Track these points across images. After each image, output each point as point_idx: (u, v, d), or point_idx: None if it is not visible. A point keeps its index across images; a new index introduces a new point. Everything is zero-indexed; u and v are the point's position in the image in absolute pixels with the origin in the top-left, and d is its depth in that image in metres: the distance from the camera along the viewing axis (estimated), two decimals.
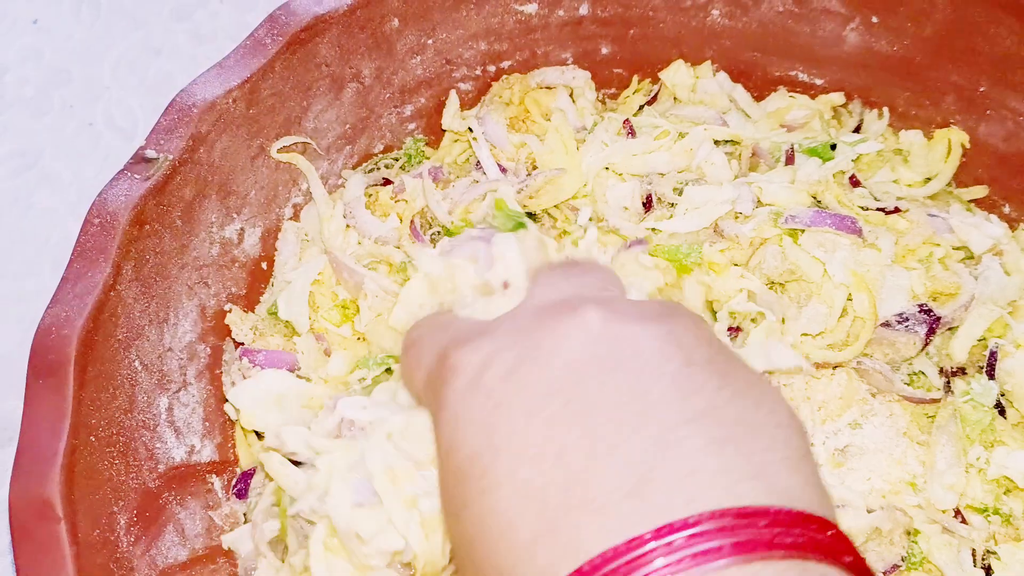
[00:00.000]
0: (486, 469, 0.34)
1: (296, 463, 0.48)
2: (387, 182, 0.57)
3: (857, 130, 0.55)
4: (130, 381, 0.46)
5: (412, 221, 0.53)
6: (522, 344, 0.37)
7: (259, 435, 0.51)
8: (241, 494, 0.49)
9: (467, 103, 0.59)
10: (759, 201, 0.51)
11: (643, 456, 0.31)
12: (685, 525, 0.30)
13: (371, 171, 0.57)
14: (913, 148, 0.55)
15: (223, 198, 0.51)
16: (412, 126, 0.59)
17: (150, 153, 0.48)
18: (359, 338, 0.51)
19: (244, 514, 0.49)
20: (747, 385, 0.35)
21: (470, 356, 0.37)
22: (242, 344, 0.51)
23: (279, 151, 0.53)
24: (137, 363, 0.46)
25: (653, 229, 0.51)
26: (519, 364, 0.36)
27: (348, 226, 0.54)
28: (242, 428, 0.51)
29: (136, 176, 0.47)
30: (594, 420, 0.33)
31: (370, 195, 0.55)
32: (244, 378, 0.49)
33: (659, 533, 0.29)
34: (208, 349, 0.51)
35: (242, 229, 0.53)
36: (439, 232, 0.53)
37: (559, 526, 0.31)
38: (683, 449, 0.32)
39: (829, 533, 0.31)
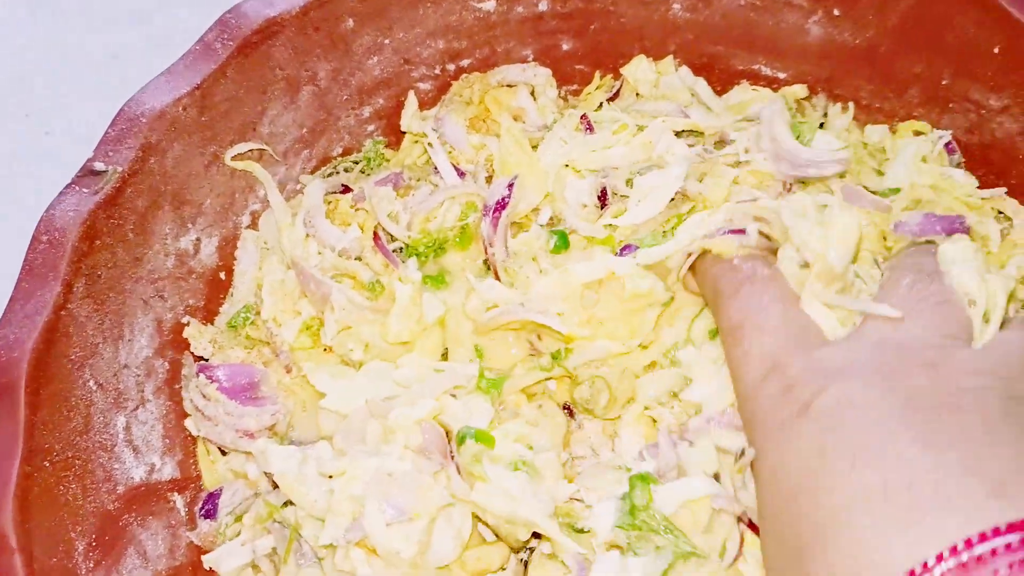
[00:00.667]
0: (818, 474, 0.35)
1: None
2: (347, 189, 0.55)
3: (822, 126, 0.55)
4: (85, 402, 0.45)
5: (376, 235, 0.51)
6: (859, 374, 0.38)
7: (222, 451, 0.50)
8: (210, 514, 0.48)
9: (427, 103, 0.58)
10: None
11: (992, 466, 0.32)
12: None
13: (330, 175, 0.56)
14: (884, 143, 0.54)
15: (177, 208, 0.50)
16: (371, 128, 0.58)
17: (99, 166, 0.47)
18: (325, 350, 0.50)
19: (217, 532, 0.48)
20: None
21: (823, 398, 0.37)
22: (201, 359, 0.50)
23: (234, 158, 0.52)
24: (92, 383, 0.45)
25: (610, 226, 0.50)
26: (853, 394, 0.37)
27: (308, 235, 0.52)
28: (204, 445, 0.50)
29: (84, 190, 0.46)
30: (935, 433, 0.34)
31: (329, 203, 0.53)
32: (204, 397, 0.48)
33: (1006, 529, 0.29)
34: (166, 364, 0.50)
35: (198, 239, 0.52)
36: (403, 247, 0.52)
37: (906, 521, 0.32)
38: None
39: None
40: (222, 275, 0.53)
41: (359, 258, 0.51)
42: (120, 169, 0.47)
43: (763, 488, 0.39)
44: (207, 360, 0.50)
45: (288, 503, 0.46)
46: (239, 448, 0.49)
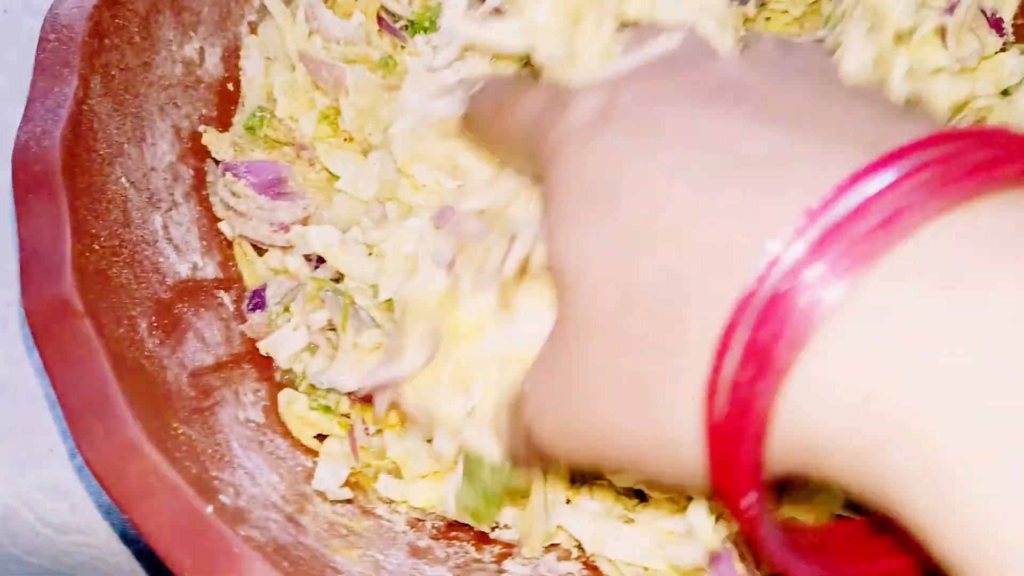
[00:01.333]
0: (633, 175, 0.29)
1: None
2: None
3: None
4: (120, 197, 0.44)
5: (379, 16, 0.51)
6: (646, 81, 0.32)
7: (258, 251, 0.50)
8: (259, 306, 0.48)
9: None
10: None
11: (822, 127, 0.27)
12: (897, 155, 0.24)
13: None
14: None
15: (177, 14, 0.49)
16: None
17: None
18: (346, 139, 0.50)
19: (269, 322, 0.47)
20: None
21: (590, 96, 0.32)
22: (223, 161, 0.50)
23: None
24: (124, 180, 0.45)
25: None
26: (648, 93, 0.31)
27: (311, 32, 0.52)
28: (240, 247, 0.50)
29: None
30: (777, 111, 0.28)
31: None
32: (234, 195, 0.48)
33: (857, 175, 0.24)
34: (190, 171, 0.49)
35: (201, 48, 0.51)
36: (408, 24, 0.52)
37: (771, 188, 0.26)
38: (863, 119, 0.27)
39: None
40: (230, 86, 0.52)
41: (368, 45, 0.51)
42: None
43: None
44: None
45: (338, 278, 0.46)
46: (275, 243, 0.49)
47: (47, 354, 0.37)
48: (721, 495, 0.26)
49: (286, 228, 0.48)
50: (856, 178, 0.24)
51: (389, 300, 0.43)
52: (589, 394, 0.29)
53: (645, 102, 0.31)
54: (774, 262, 0.24)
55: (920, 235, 0.23)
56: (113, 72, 0.45)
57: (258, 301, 0.48)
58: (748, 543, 0.33)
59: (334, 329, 0.45)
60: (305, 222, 0.49)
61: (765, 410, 0.24)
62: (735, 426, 0.24)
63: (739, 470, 0.25)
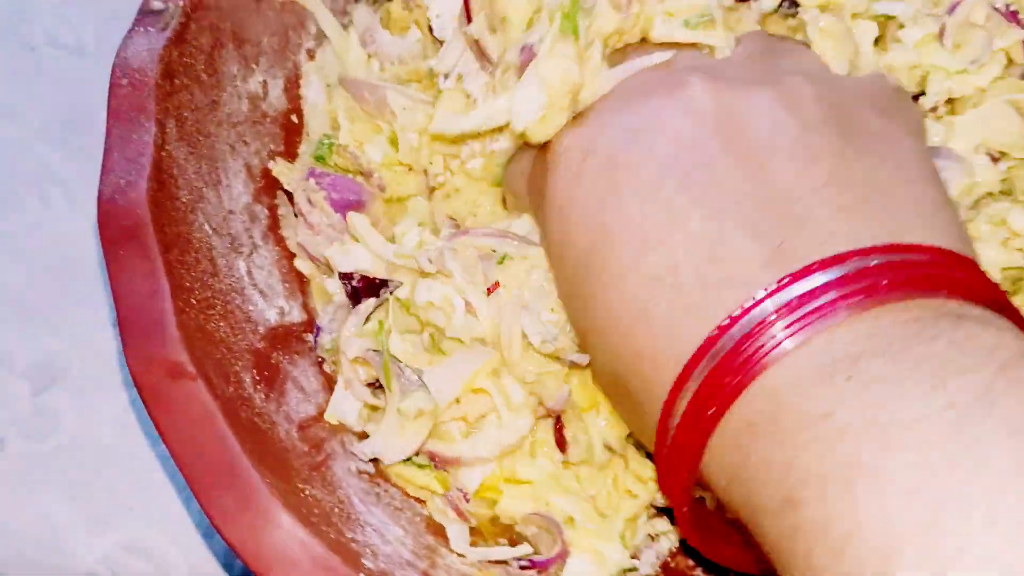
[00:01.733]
0: (606, 261, 0.34)
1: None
2: None
3: None
4: (206, 245, 0.42)
5: (431, 28, 0.49)
6: (621, 126, 0.35)
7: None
8: (318, 334, 0.46)
9: None
10: None
11: (773, 229, 0.31)
12: (797, 276, 0.29)
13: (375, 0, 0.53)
14: None
15: (239, 47, 0.47)
16: None
17: (157, 4, 0.44)
18: (409, 168, 0.48)
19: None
20: (870, 140, 0.34)
21: (569, 143, 0.36)
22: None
23: None
24: (207, 226, 0.43)
25: None
26: (621, 148, 0.34)
27: (369, 56, 0.50)
28: (314, 280, 0.48)
29: (151, 28, 0.43)
30: (715, 200, 0.32)
31: (382, 17, 0.51)
32: (309, 202, 0.45)
33: (774, 291, 0.29)
34: (265, 210, 0.47)
35: (264, 81, 0.49)
36: None
37: (695, 303, 0.31)
38: (813, 218, 0.31)
39: (963, 271, 0.30)
40: (294, 118, 0.50)
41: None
42: (180, 4, 0.44)
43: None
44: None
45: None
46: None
47: (162, 420, 0.35)
48: (671, 499, 0.33)
49: None
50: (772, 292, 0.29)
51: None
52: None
53: (619, 156, 0.35)
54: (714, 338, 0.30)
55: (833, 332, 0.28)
56: (185, 114, 0.43)
57: (317, 330, 0.46)
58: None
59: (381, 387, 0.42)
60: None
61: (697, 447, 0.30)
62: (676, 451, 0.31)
63: (676, 484, 0.32)
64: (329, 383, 0.45)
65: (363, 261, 0.44)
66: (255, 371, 0.40)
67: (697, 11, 0.40)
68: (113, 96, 0.41)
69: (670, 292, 0.31)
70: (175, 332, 0.36)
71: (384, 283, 0.44)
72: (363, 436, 0.43)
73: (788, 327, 0.28)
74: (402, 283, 0.43)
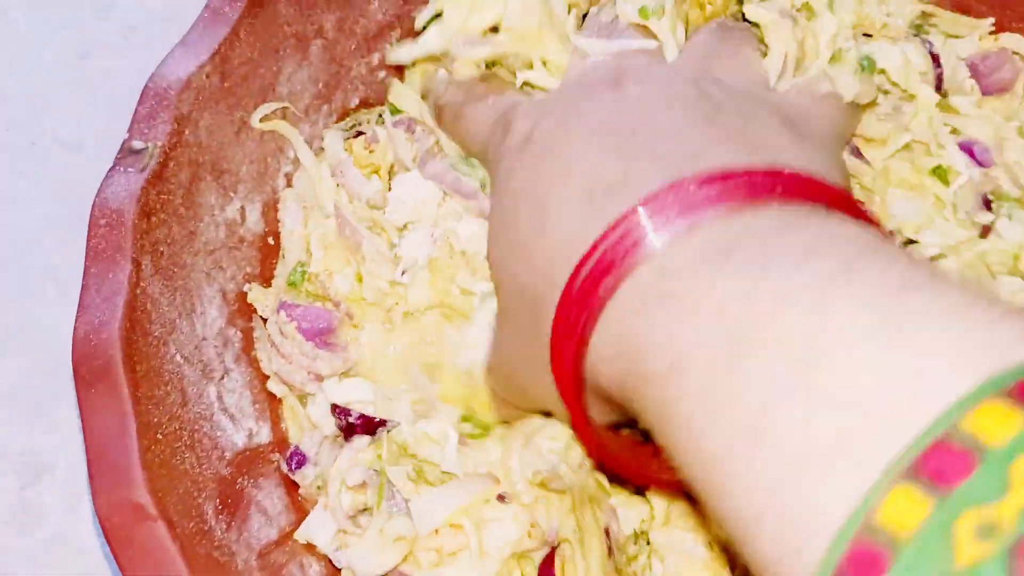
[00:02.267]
0: (541, 202, 0.39)
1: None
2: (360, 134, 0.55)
3: None
4: (176, 376, 0.44)
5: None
6: (564, 108, 0.42)
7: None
8: (301, 463, 0.48)
9: None
10: None
11: (652, 151, 0.37)
12: (675, 187, 0.33)
13: (352, 127, 0.56)
14: None
15: (217, 177, 0.50)
16: (383, 74, 0.58)
17: (137, 144, 0.47)
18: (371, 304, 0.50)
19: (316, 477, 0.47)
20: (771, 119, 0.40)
21: (524, 119, 0.43)
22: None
23: (261, 120, 0.52)
24: (178, 357, 0.45)
25: None
26: (569, 114, 0.41)
27: (338, 185, 0.52)
28: (287, 401, 0.50)
29: (130, 169, 0.46)
30: (611, 136, 0.38)
31: (346, 150, 0.54)
32: (280, 333, 0.48)
33: (653, 196, 0.34)
34: (239, 333, 0.50)
35: (242, 207, 0.51)
36: None
37: (589, 213, 0.36)
38: (690, 142, 0.37)
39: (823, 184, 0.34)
40: (271, 240, 0.53)
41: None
42: (160, 144, 0.46)
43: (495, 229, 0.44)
44: None
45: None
46: (306, 390, 0.49)
47: (123, 560, 0.37)
48: (565, 400, 0.37)
49: (320, 378, 0.48)
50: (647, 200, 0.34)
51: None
52: (506, 355, 0.44)
53: (557, 132, 0.41)
54: (596, 244, 0.35)
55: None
56: (162, 249, 0.46)
57: (299, 459, 0.48)
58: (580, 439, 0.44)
59: (368, 510, 0.44)
60: (346, 375, 0.49)
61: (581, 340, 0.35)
62: (561, 345, 0.36)
63: (567, 378, 0.36)
64: (294, 502, 0.47)
65: (364, 393, 0.47)
66: (218, 500, 0.43)
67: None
68: (92, 236, 0.44)
69: (572, 207, 0.37)
70: (139, 473, 0.38)
71: (383, 422, 0.46)
72: (323, 558, 0.45)
73: (670, 223, 0.32)
74: (399, 423, 0.46)
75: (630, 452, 0.41)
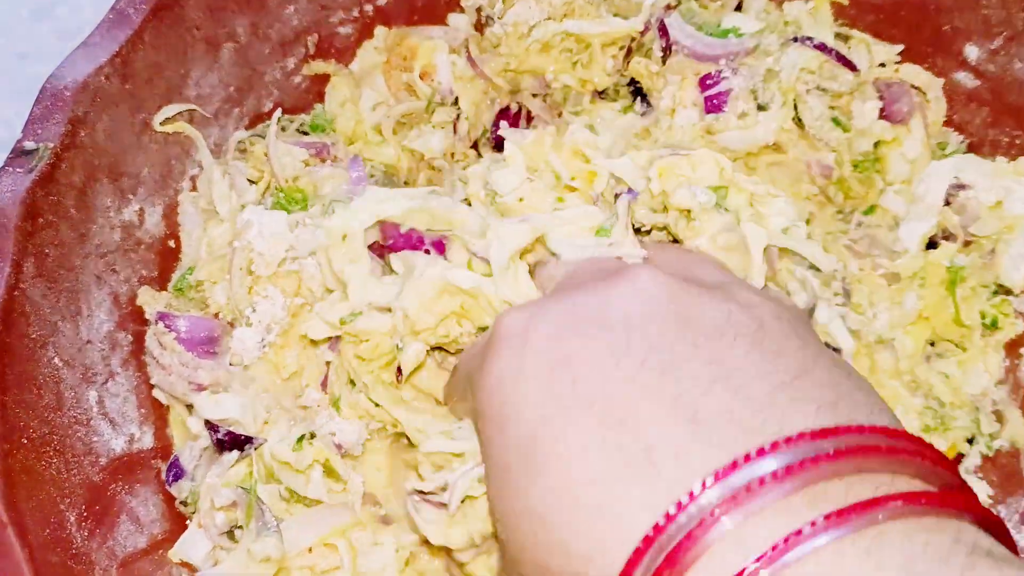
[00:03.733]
0: (562, 430, 0.32)
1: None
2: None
3: (739, 8, 0.56)
4: (53, 379, 0.44)
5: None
6: (565, 302, 0.35)
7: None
8: (179, 476, 0.48)
9: (349, 47, 0.58)
10: None
11: (723, 416, 0.30)
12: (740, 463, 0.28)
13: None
14: (801, 17, 0.55)
15: (115, 180, 0.49)
16: (298, 79, 0.57)
17: (29, 144, 0.46)
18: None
19: (192, 492, 0.47)
20: (819, 342, 0.34)
21: (513, 321, 0.35)
22: None
23: (163, 123, 0.51)
24: (56, 360, 0.45)
25: None
26: (567, 320, 0.34)
27: (231, 187, 0.52)
28: (174, 409, 0.50)
29: (18, 170, 0.45)
30: (670, 385, 0.31)
31: (243, 150, 0.54)
32: (160, 346, 0.48)
33: (718, 475, 0.28)
34: (129, 336, 0.49)
35: (141, 209, 0.51)
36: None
37: (641, 493, 0.30)
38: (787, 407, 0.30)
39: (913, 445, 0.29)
40: (171, 243, 0.53)
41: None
42: (52, 145, 0.46)
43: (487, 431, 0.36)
44: None
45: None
46: (188, 400, 0.48)
47: None
48: None
49: (203, 388, 0.48)
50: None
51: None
52: None
53: (559, 348, 0.33)
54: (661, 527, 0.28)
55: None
56: (47, 251, 0.45)
57: (177, 471, 0.48)
58: None
59: (241, 527, 0.44)
60: (222, 389, 0.49)
61: None
62: None
63: None
64: (171, 511, 0.47)
65: (232, 410, 0.46)
66: (84, 507, 0.43)
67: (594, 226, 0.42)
68: None
69: (621, 475, 0.30)
70: None
71: (249, 439, 0.46)
72: (194, 569, 0.45)
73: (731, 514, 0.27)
74: (266, 440, 0.46)
75: None
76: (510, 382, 0.34)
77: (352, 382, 0.45)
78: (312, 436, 0.44)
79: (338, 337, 0.45)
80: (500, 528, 0.35)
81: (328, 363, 0.46)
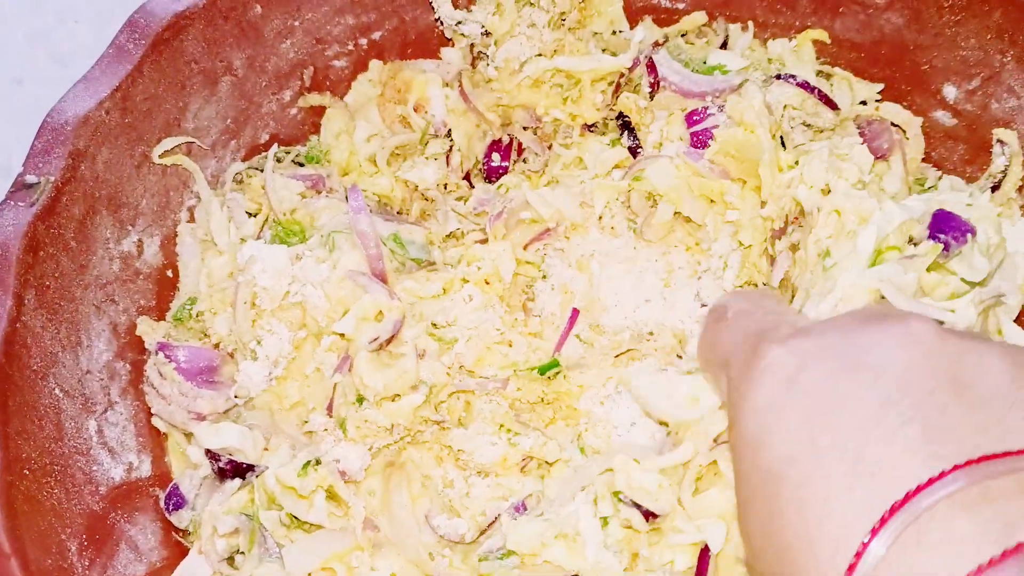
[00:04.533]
0: (808, 476, 0.34)
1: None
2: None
3: (724, 46, 0.57)
4: (53, 409, 0.45)
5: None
6: (843, 349, 0.36)
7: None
8: (179, 505, 0.48)
9: (343, 79, 0.59)
10: None
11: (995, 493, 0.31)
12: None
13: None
14: (784, 54, 0.57)
15: (114, 211, 0.50)
16: (294, 111, 0.58)
17: (30, 178, 0.47)
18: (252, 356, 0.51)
19: (192, 520, 0.48)
20: None
21: (785, 356, 0.37)
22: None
23: (162, 155, 0.52)
24: (57, 390, 0.46)
25: None
26: (843, 369, 0.35)
27: (230, 219, 0.53)
28: (173, 438, 0.50)
29: (20, 204, 0.46)
30: (939, 444, 0.32)
31: (240, 181, 0.55)
32: (160, 376, 0.49)
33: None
34: (128, 366, 0.50)
35: (140, 240, 0.52)
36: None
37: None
38: None
39: None
40: (169, 273, 0.54)
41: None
42: (52, 179, 0.47)
43: (743, 459, 0.38)
44: None
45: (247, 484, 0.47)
46: (188, 429, 0.49)
47: None
48: None
49: (202, 417, 0.49)
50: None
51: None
52: None
53: (826, 393, 0.35)
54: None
55: None
56: (48, 282, 0.46)
57: (177, 500, 0.48)
58: None
59: (242, 553, 0.45)
60: (226, 413, 0.50)
61: None
62: None
63: None
64: (168, 539, 0.48)
65: (232, 439, 0.47)
66: (85, 536, 0.43)
67: None
68: None
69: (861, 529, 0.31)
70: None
71: (251, 467, 0.47)
72: None
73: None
74: (267, 467, 0.46)
75: None
76: (771, 414, 0.36)
77: (360, 399, 0.47)
78: (318, 462, 0.45)
79: (347, 357, 0.47)
80: (745, 543, 0.38)
81: (336, 385, 0.47)
